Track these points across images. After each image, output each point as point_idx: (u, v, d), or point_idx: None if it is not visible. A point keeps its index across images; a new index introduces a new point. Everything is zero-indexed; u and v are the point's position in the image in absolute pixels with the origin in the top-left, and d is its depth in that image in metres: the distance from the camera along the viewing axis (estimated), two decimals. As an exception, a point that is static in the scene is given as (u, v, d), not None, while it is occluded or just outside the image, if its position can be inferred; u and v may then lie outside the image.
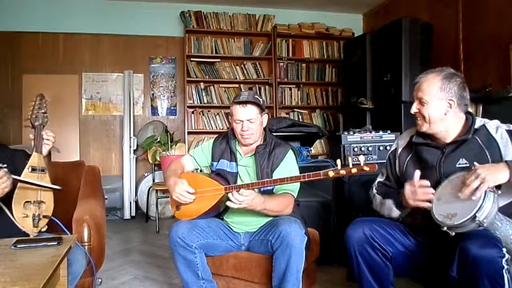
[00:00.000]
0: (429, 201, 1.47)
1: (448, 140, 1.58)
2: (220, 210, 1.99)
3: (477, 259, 1.26)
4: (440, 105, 1.54)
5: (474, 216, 1.31)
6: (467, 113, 1.61)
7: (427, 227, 1.53)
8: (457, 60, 3.82)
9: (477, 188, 1.33)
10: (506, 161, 1.39)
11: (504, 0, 3.39)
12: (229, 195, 1.73)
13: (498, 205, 1.36)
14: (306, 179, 1.68)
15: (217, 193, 1.87)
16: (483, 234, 1.34)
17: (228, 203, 1.74)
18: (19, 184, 1.66)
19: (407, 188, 1.54)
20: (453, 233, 1.37)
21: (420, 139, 1.65)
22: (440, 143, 1.60)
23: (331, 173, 1.61)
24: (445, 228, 1.37)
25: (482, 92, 3.06)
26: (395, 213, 1.66)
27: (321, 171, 1.64)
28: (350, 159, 1.62)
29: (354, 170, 1.59)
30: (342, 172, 1.59)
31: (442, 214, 1.40)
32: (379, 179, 1.84)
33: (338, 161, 1.62)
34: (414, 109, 1.61)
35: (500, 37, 3.41)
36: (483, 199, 1.32)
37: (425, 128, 1.59)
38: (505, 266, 1.26)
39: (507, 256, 1.28)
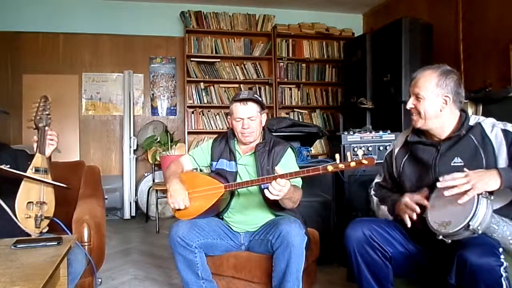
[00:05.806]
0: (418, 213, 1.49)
1: (443, 137, 1.58)
2: (220, 209, 2.00)
3: (475, 268, 1.25)
4: (436, 101, 1.54)
5: (468, 225, 1.30)
6: (461, 110, 1.60)
7: (425, 234, 1.52)
8: (457, 60, 3.81)
9: (465, 192, 1.32)
10: (497, 169, 1.37)
11: (504, 0, 3.40)
12: (269, 185, 1.65)
13: (493, 208, 1.35)
14: (306, 174, 1.67)
15: (217, 191, 1.87)
16: (481, 241, 1.33)
17: (267, 193, 1.66)
18: (22, 185, 1.66)
19: (405, 200, 1.54)
20: (449, 241, 1.36)
21: (415, 137, 1.65)
22: (434, 140, 1.60)
23: (330, 168, 1.60)
24: (440, 237, 1.37)
25: (482, 92, 3.05)
26: (389, 218, 1.70)
27: (319, 166, 1.64)
28: (349, 153, 1.62)
29: (353, 164, 1.58)
30: (341, 166, 1.59)
31: (437, 222, 1.40)
32: (376, 180, 1.86)
33: (337, 156, 1.61)
34: (410, 104, 1.61)
35: (500, 37, 3.41)
36: (476, 207, 1.31)
37: (420, 124, 1.59)
38: (504, 274, 1.25)
39: (505, 264, 1.27)
